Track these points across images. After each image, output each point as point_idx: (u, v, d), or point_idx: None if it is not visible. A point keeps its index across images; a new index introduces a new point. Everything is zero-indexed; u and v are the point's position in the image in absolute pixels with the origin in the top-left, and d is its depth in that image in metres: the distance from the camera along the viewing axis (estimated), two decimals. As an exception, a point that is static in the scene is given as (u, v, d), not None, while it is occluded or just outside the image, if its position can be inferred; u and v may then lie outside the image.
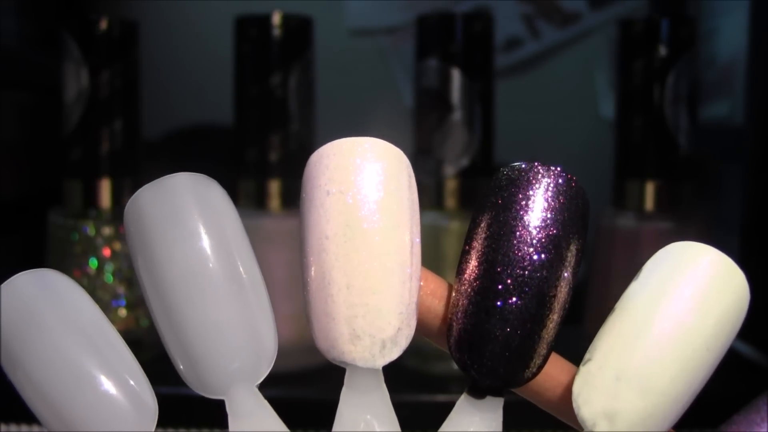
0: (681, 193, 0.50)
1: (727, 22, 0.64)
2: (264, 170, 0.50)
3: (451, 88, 0.50)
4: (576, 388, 0.21)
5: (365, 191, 0.20)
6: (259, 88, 0.50)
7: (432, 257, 0.49)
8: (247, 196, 0.51)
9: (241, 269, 0.20)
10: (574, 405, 0.20)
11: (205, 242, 0.20)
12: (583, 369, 0.21)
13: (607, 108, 0.68)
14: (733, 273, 0.21)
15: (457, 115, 0.50)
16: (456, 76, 0.50)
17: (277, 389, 0.46)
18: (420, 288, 0.21)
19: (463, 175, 0.50)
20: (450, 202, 0.50)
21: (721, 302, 0.21)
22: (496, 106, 0.52)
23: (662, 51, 0.49)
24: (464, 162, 0.50)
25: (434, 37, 0.51)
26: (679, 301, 0.20)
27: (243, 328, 0.20)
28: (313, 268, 0.20)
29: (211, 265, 0.20)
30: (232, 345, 0.20)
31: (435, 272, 0.22)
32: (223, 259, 0.20)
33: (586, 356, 0.21)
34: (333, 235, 0.20)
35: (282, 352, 0.51)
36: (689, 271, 0.21)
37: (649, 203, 0.50)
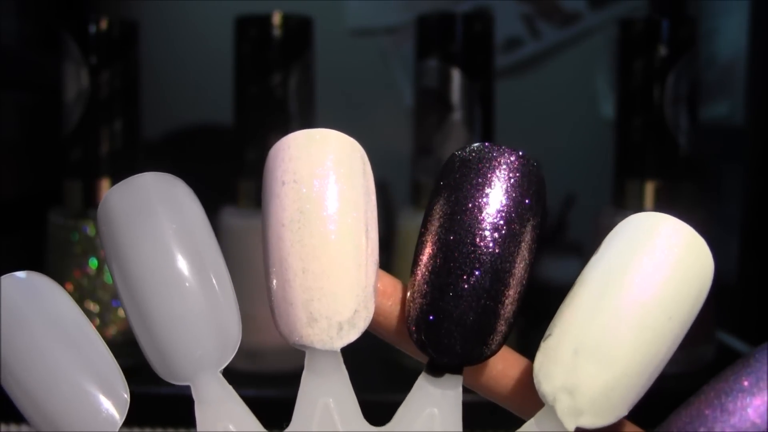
0: (681, 193, 0.50)
1: (727, 22, 0.64)
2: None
3: (451, 88, 0.50)
4: (536, 365, 0.20)
5: (318, 179, 0.21)
6: (259, 88, 0.50)
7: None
8: (247, 196, 0.51)
9: (204, 260, 0.21)
10: (535, 381, 0.20)
11: (170, 236, 0.21)
12: (543, 345, 0.21)
13: (607, 108, 0.68)
14: (693, 240, 0.20)
15: (457, 115, 0.50)
16: (456, 76, 0.50)
17: (277, 389, 0.46)
18: (386, 295, 0.22)
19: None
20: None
21: (681, 269, 0.20)
22: (496, 106, 0.52)
23: (662, 51, 0.49)
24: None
25: (434, 37, 0.51)
26: (636, 270, 0.20)
27: (206, 317, 0.21)
28: (271, 256, 0.21)
29: (175, 257, 0.21)
30: (195, 333, 0.21)
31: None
32: (187, 251, 0.21)
33: (547, 332, 0.21)
34: (288, 222, 0.21)
35: (281, 352, 0.51)
36: (647, 240, 0.20)
37: (649, 203, 0.50)
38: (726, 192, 0.63)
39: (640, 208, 0.50)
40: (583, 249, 0.64)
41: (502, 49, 0.69)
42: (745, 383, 0.19)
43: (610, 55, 0.69)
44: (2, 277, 0.21)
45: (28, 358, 0.20)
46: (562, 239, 0.67)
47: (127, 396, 0.21)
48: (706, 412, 0.19)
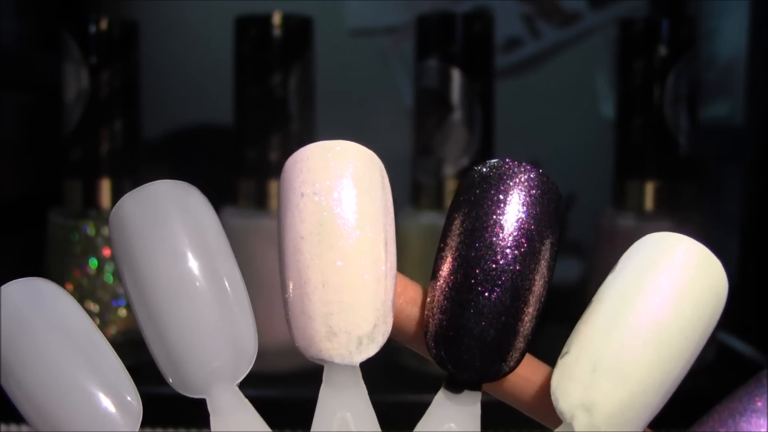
0: (681, 193, 0.50)
1: (727, 22, 0.64)
2: (264, 170, 0.50)
3: (451, 88, 0.50)
4: (554, 382, 0.20)
5: (337, 192, 0.21)
6: (259, 88, 0.50)
7: (433, 257, 0.49)
8: (247, 196, 0.51)
9: (220, 271, 0.21)
10: (553, 398, 0.20)
11: (185, 245, 0.20)
12: (561, 362, 0.21)
13: (607, 108, 0.68)
14: (708, 261, 0.21)
15: (457, 115, 0.50)
16: (456, 76, 0.50)
17: (277, 389, 0.46)
18: (397, 294, 0.22)
19: (463, 175, 0.50)
20: (450, 202, 0.50)
21: (697, 289, 0.20)
22: (496, 106, 0.52)
23: (662, 51, 0.49)
24: (464, 162, 0.50)
25: (434, 37, 0.51)
26: (653, 290, 0.20)
27: (222, 329, 0.20)
28: (289, 268, 0.21)
29: (190, 267, 0.20)
30: (211, 345, 0.20)
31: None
32: (202, 262, 0.21)
33: (564, 350, 0.21)
34: (308, 234, 0.20)
35: (283, 353, 0.51)
36: (663, 260, 0.21)
37: (649, 203, 0.50)
38: (726, 192, 0.63)
39: (640, 208, 0.50)
40: (583, 249, 0.64)
41: (502, 49, 0.69)
42: (759, 404, 0.20)
43: (610, 55, 0.69)
44: (6, 284, 0.20)
45: (32, 365, 0.20)
46: (562, 239, 0.67)
47: (136, 403, 0.20)
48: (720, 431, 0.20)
